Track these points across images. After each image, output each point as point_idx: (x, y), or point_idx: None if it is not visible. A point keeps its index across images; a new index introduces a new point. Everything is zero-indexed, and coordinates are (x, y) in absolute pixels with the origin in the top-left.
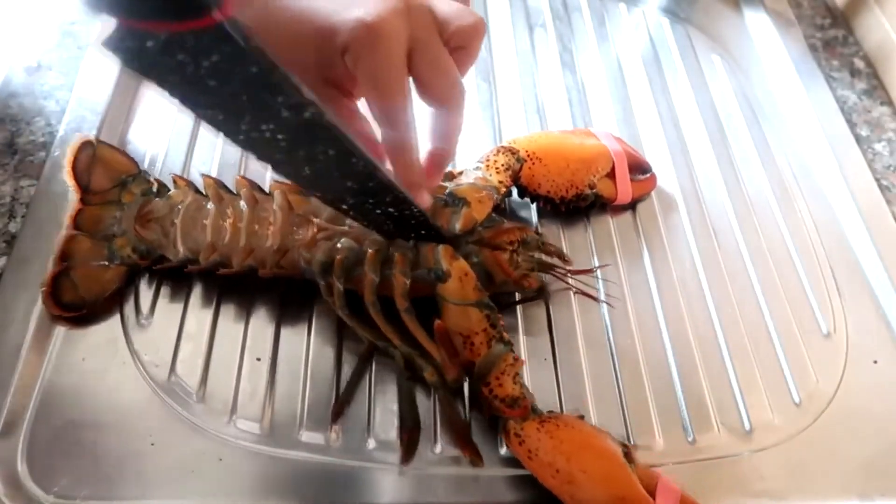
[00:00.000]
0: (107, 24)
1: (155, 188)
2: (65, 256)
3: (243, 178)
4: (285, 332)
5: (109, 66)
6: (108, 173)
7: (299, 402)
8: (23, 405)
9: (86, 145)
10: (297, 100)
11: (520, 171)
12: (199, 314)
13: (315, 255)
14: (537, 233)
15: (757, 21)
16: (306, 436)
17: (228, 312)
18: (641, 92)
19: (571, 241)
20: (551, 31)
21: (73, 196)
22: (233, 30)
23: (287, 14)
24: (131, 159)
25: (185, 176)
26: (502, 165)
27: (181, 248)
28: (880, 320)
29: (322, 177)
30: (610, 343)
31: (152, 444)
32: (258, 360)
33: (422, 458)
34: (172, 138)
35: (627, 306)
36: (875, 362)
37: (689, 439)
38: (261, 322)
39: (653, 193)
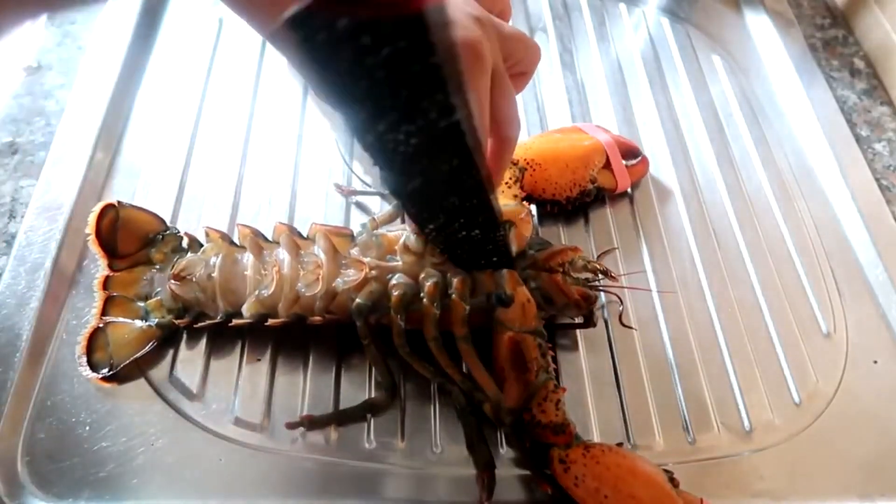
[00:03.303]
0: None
1: (185, 243)
2: (103, 312)
3: (282, 224)
4: (285, 333)
5: (109, 66)
6: (134, 235)
7: (299, 402)
8: (23, 405)
9: (107, 209)
10: (454, 100)
11: (522, 180)
12: None
13: (369, 295)
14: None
15: (757, 21)
16: (306, 435)
17: None
18: (641, 92)
19: (571, 241)
20: (551, 32)
21: (101, 262)
22: (437, 16)
23: None
24: (156, 216)
25: (212, 231)
26: (511, 179)
27: (221, 304)
28: (880, 320)
29: (427, 191)
30: (610, 343)
31: (152, 444)
32: (258, 360)
33: (422, 458)
34: (171, 139)
35: (627, 306)
36: (875, 362)
37: (689, 439)
38: None
39: (652, 193)
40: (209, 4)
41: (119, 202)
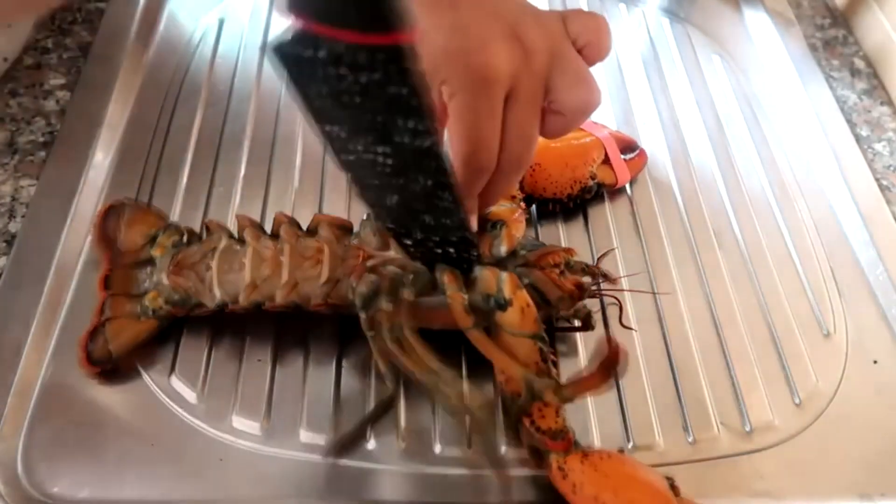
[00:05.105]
0: (282, 29)
1: (185, 237)
2: (102, 311)
3: (282, 213)
4: (286, 333)
5: (109, 66)
6: (136, 233)
7: (299, 402)
8: (23, 405)
9: (111, 209)
10: (425, 126)
11: (522, 181)
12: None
13: (369, 285)
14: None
15: (757, 21)
16: (306, 436)
17: None
18: (641, 92)
19: (571, 242)
20: None
21: (101, 261)
22: (409, 51)
23: None
24: (158, 214)
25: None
26: None
27: (218, 292)
28: (880, 320)
29: (404, 208)
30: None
31: (152, 444)
32: (259, 360)
33: (422, 458)
34: (171, 139)
35: (627, 306)
36: (875, 362)
37: (689, 439)
38: (261, 323)
39: (652, 192)
40: (209, 4)
41: (124, 200)
